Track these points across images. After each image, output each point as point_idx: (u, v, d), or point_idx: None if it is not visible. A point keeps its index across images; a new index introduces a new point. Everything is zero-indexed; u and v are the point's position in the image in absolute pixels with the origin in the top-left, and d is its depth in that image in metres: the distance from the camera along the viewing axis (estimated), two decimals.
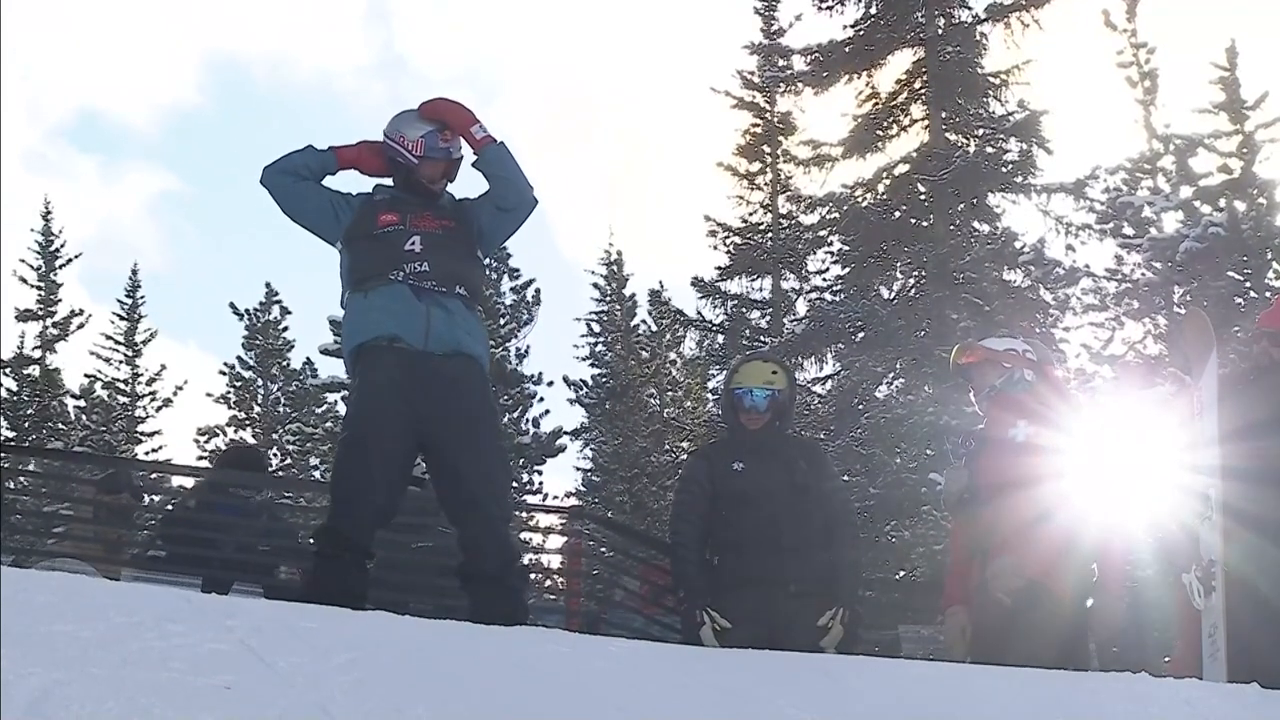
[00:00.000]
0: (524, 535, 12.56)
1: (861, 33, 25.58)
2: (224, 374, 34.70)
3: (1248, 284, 20.94)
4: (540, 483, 29.27)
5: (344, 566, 7.48)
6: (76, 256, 34.70)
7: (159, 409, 34.42)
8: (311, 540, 8.10)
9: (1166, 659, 9.81)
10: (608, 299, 33.01)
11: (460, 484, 7.58)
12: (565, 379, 31.15)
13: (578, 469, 31.52)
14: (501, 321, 29.04)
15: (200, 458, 32.17)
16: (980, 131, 25.11)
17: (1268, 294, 19.56)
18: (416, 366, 7.49)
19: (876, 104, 25.53)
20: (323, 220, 7.86)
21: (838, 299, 25.63)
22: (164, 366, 35.31)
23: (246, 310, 35.03)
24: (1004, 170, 24.63)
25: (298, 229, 7.87)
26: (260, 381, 34.56)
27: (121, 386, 35.09)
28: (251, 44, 62.23)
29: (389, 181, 7.97)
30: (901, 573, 21.89)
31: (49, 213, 34.64)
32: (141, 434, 34.06)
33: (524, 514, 18.25)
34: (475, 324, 7.82)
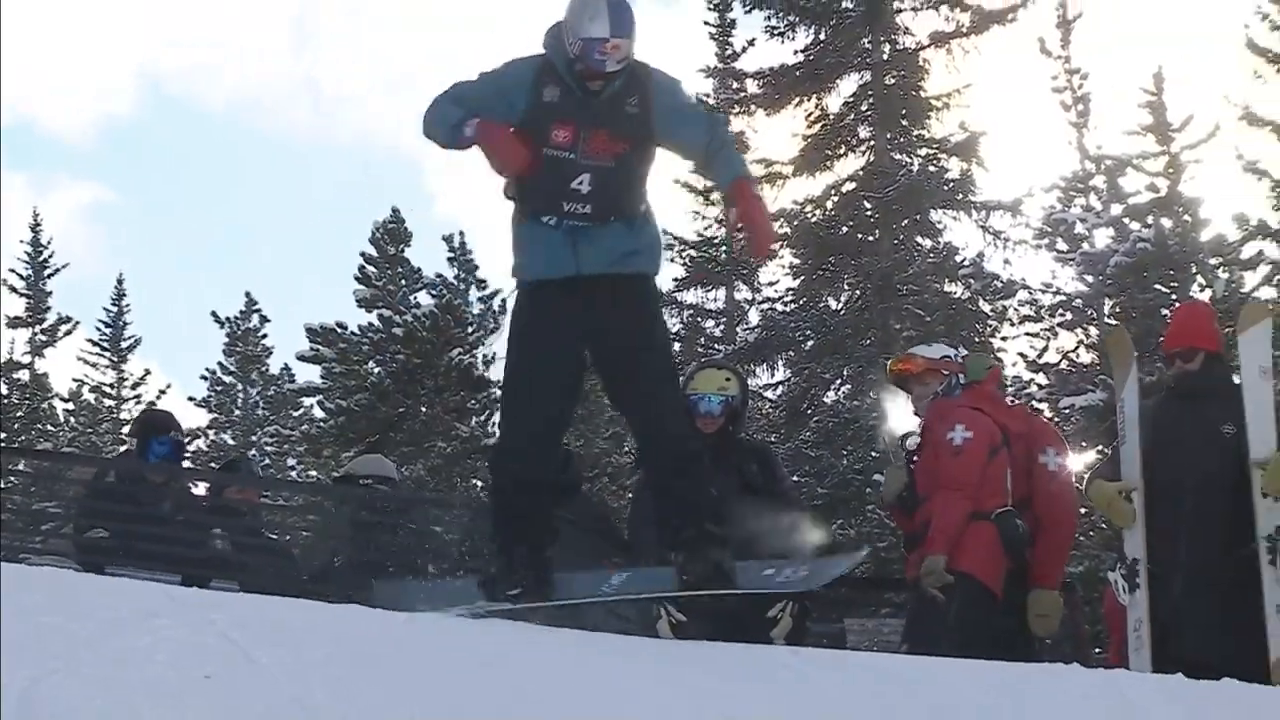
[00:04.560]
0: None
1: (811, 58, 25.63)
2: (205, 379, 34.66)
3: (1174, 296, 20.99)
4: None
5: (511, 495, 7.19)
6: (64, 266, 34.70)
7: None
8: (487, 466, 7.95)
9: (1098, 650, 9.84)
10: None
11: (634, 382, 7.09)
12: None
13: None
14: (470, 329, 28.73)
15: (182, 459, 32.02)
16: (923, 151, 25.21)
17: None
18: (572, 292, 6.98)
19: (825, 125, 25.57)
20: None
21: (789, 309, 25.72)
22: (148, 371, 35.38)
23: (227, 318, 34.94)
24: (945, 188, 24.72)
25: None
26: (239, 386, 34.46)
27: (108, 390, 35.04)
28: (178, 59, 61.35)
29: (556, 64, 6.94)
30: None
31: (38, 224, 34.59)
32: (125, 437, 33.95)
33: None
34: (631, 239, 7.06)
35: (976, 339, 23.22)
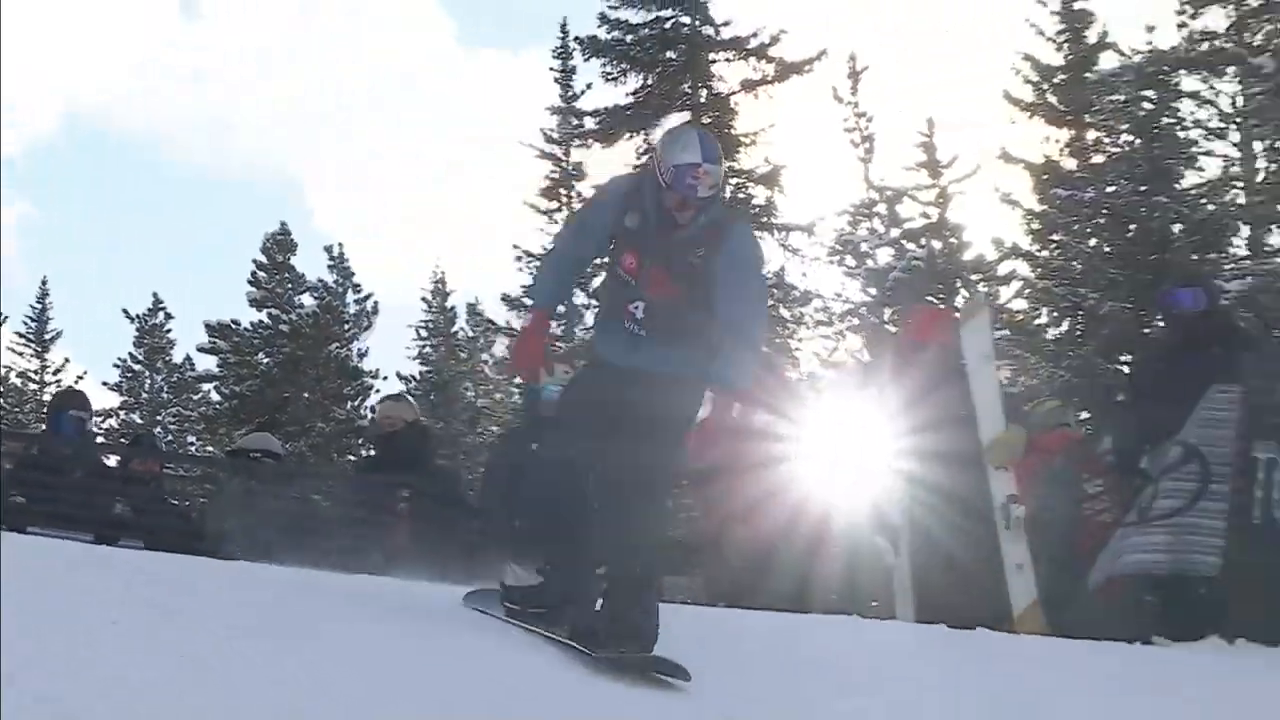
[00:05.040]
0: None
1: (640, 99, 25.69)
2: (117, 367, 34.25)
3: (942, 305, 21.34)
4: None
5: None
6: None
7: None
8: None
9: (874, 603, 10.02)
10: (433, 310, 32.83)
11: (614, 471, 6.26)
12: (398, 374, 30.95)
13: None
14: (346, 327, 28.99)
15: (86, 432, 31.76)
16: (733, 180, 25.38)
17: (956, 313, 20.04)
18: (620, 374, 6.25)
19: (651, 157, 25.59)
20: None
21: None
22: (67, 360, 35.08)
23: (137, 315, 34.55)
24: (752, 211, 24.92)
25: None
26: (147, 373, 34.06)
27: (32, 376, 34.75)
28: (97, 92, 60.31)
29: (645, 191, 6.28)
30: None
31: None
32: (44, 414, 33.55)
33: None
34: (683, 356, 6.18)
35: (778, 340, 23.51)
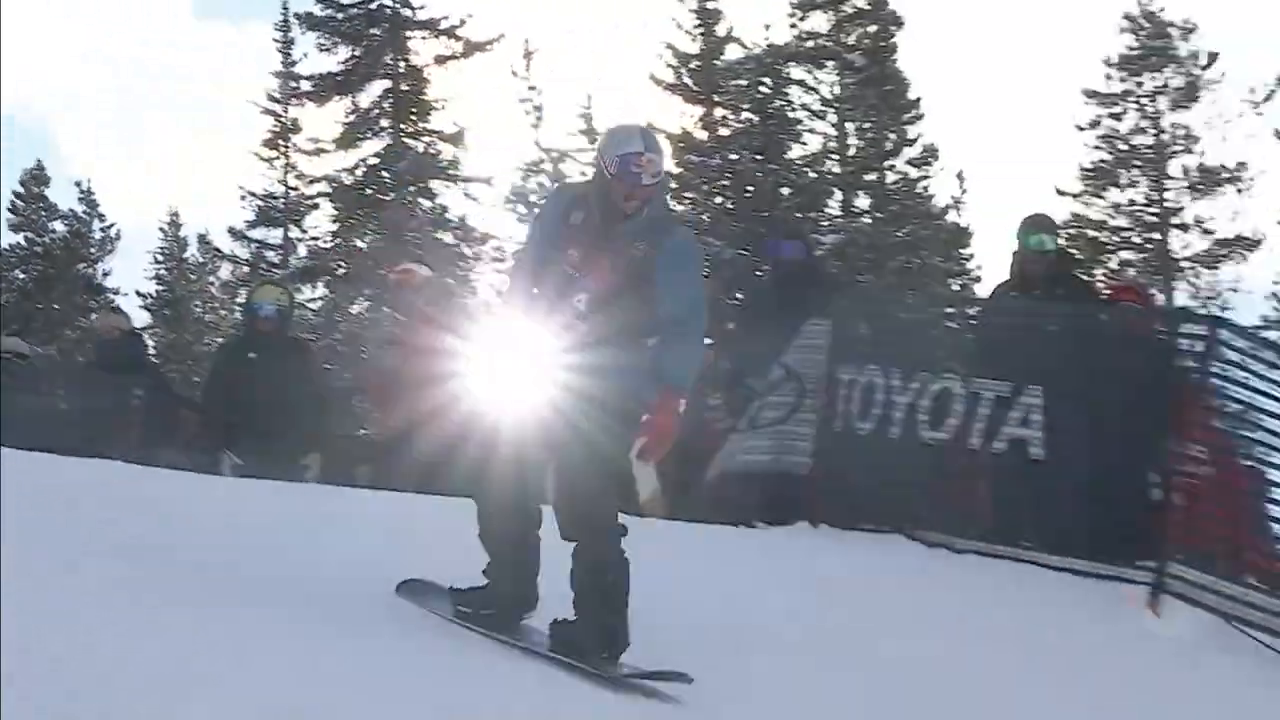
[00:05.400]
0: None
1: (349, 67, 25.62)
2: None
3: None
4: None
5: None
6: None
7: None
8: None
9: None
10: (169, 238, 31.78)
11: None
12: (136, 291, 29.96)
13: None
14: (92, 250, 28.98)
15: None
16: (425, 138, 25.28)
17: None
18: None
19: (358, 115, 25.51)
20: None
21: (328, 246, 25.68)
22: None
23: None
24: (440, 165, 24.94)
25: None
26: None
27: None
28: None
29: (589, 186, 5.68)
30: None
31: None
32: None
33: None
34: (624, 348, 5.50)
35: (460, 273, 23.54)
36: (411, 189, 24.85)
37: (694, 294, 5.57)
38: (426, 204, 25.06)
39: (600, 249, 5.45)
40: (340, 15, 25.69)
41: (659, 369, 5.43)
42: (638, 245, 5.42)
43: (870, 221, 25.62)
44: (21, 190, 28.72)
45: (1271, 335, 19.34)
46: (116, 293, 28.98)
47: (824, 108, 25.76)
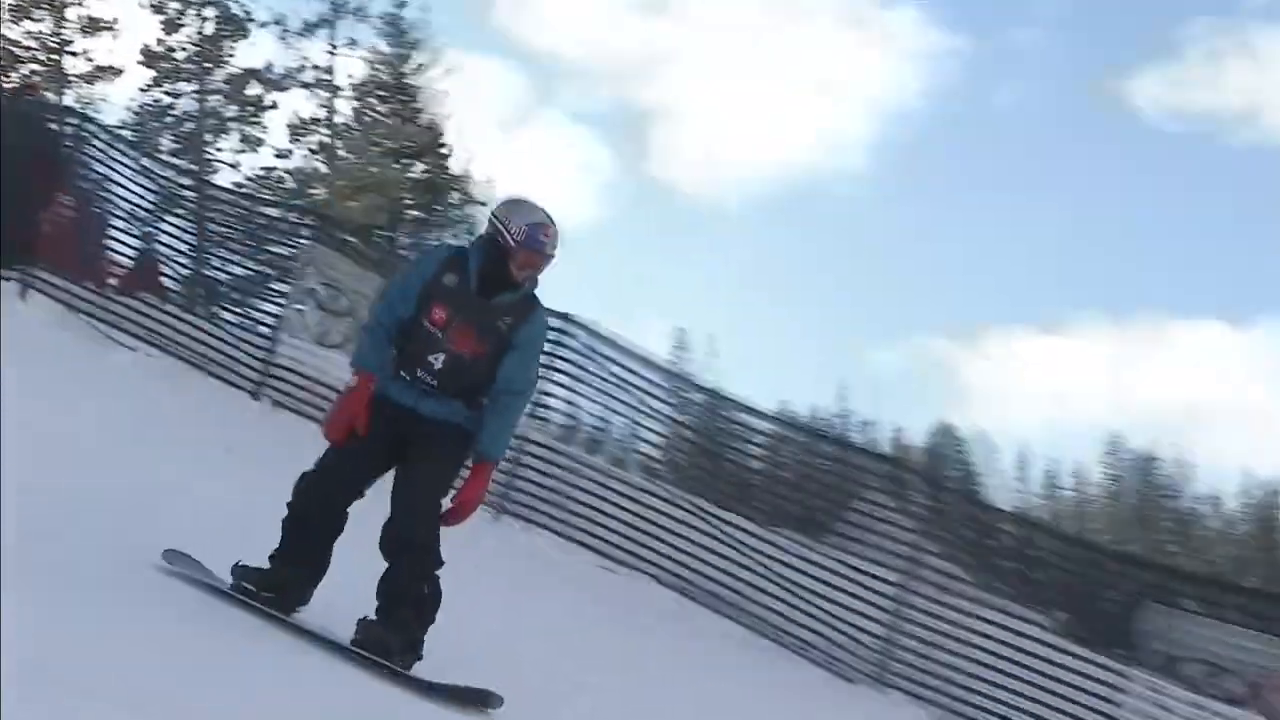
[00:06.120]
0: None
1: None
2: None
3: None
4: None
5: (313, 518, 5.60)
6: None
7: None
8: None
9: None
10: None
11: (409, 468, 5.58)
12: None
13: None
14: None
15: None
16: None
17: None
18: (398, 412, 5.60)
19: None
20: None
21: None
22: None
23: None
24: None
25: None
26: None
27: None
28: None
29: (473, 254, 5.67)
30: None
31: None
32: None
33: None
34: (461, 409, 5.62)
35: None
36: None
37: (534, 374, 5.91)
38: None
39: (468, 317, 5.56)
40: None
41: (481, 439, 5.60)
42: (506, 319, 5.58)
43: None
44: None
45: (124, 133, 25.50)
46: None
47: None
